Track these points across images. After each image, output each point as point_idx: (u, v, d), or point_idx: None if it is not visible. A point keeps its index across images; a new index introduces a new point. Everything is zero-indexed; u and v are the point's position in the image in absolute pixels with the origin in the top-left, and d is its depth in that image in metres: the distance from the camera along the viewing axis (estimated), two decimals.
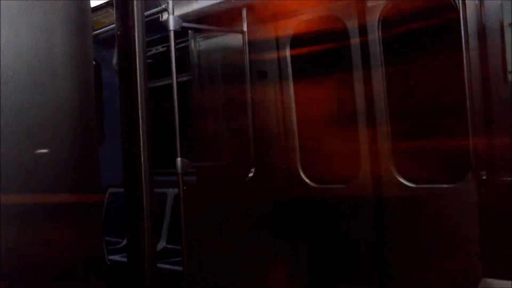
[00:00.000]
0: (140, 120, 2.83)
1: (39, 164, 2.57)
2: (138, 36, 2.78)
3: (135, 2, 2.79)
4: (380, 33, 4.92)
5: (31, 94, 2.48)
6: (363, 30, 5.02)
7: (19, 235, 2.54)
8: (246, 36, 5.44)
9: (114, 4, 2.99)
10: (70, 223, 2.70)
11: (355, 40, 5.06)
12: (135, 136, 2.84)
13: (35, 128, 2.52)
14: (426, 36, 4.90)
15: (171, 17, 4.93)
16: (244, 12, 5.41)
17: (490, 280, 4.11)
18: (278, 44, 5.67)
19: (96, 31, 6.33)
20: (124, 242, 6.48)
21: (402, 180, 4.84)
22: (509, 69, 4.02)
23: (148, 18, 5.28)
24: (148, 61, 7.06)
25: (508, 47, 4.01)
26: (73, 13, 2.62)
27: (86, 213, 2.73)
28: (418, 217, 4.72)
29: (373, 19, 4.93)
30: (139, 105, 2.81)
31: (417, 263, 4.70)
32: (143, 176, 2.86)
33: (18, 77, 2.41)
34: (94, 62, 7.70)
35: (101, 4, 5.94)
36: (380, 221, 4.98)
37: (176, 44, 5.07)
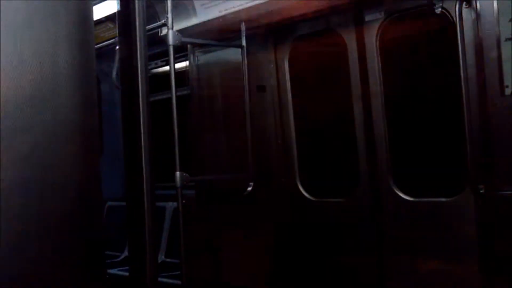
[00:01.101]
0: (142, 133, 2.85)
1: (41, 176, 2.58)
2: (140, 50, 2.80)
3: (137, 17, 2.81)
4: (378, 47, 4.96)
5: (34, 109, 2.49)
6: (361, 44, 5.05)
7: (18, 245, 2.55)
8: (245, 51, 5.47)
9: (117, 19, 3.02)
10: (70, 236, 2.71)
11: (353, 54, 5.10)
12: (137, 150, 2.85)
13: (38, 141, 2.53)
14: (423, 50, 4.94)
15: (170, 31, 4.96)
16: (243, 27, 5.45)
17: None
18: (276, 58, 5.71)
19: (96, 45, 6.36)
20: (123, 255, 6.49)
21: (400, 194, 4.85)
22: (506, 83, 4.04)
23: (148, 33, 5.34)
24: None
25: (504, 61, 4.04)
26: (76, 28, 2.65)
27: (87, 227, 2.74)
28: (416, 230, 4.73)
29: (371, 34, 4.98)
30: (141, 119, 2.82)
31: (416, 276, 4.70)
32: (145, 189, 2.88)
33: (21, 92, 2.43)
34: None
35: (101, 19, 5.98)
36: (379, 235, 4.98)
37: (175, 58, 5.11)
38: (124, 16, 2.88)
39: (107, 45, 5.85)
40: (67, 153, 2.64)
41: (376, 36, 4.94)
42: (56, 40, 2.58)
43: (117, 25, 3.01)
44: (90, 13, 2.76)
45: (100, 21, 6.02)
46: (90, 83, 2.73)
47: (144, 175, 2.87)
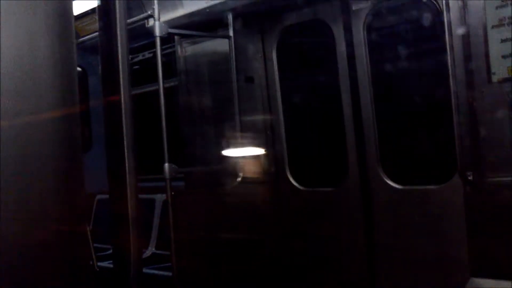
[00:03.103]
0: (124, 126, 2.83)
1: (21, 170, 2.56)
2: (121, 43, 2.77)
3: (117, 10, 2.78)
4: (365, 36, 4.95)
5: (13, 102, 2.47)
6: (348, 34, 5.04)
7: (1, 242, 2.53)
8: (233, 41, 5.45)
9: (97, 12, 3.00)
10: (54, 230, 2.69)
11: (340, 44, 5.09)
12: (120, 143, 2.84)
13: (17, 135, 2.51)
14: (410, 39, 4.94)
15: (157, 23, 4.94)
16: (230, 17, 5.42)
17: (477, 280, 4.13)
18: (264, 48, 5.69)
19: (82, 38, 6.34)
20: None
21: (389, 182, 4.86)
22: (492, 70, 4.05)
23: (134, 25, 5.32)
24: (136, 67, 7.15)
25: (491, 49, 4.04)
26: (55, 20, 2.61)
27: (70, 220, 2.73)
28: (406, 218, 4.75)
29: (358, 23, 4.97)
30: (123, 112, 2.80)
31: (405, 263, 4.72)
32: (127, 182, 2.86)
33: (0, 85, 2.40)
34: (80, 69, 7.76)
35: (87, 11, 5.94)
36: (369, 223, 5.00)
37: (162, 49, 5.08)
38: (104, 9, 2.85)
39: (93, 38, 5.80)
40: (47, 146, 2.62)
41: (363, 25, 4.93)
42: (34, 33, 2.55)
43: (97, 18, 2.98)
44: (69, 5, 2.73)
45: (85, 14, 5.98)
46: (71, 76, 2.70)
47: (127, 167, 2.85)
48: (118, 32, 2.76)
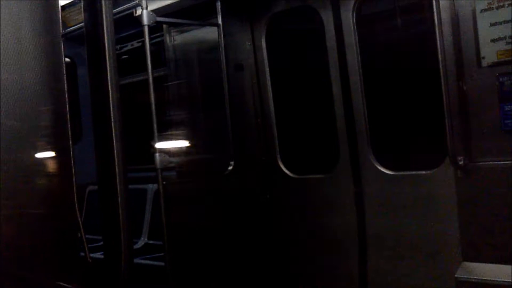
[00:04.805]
0: (112, 117, 2.81)
1: (9, 164, 2.55)
2: (107, 33, 2.75)
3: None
4: (355, 22, 4.93)
5: None
6: (337, 21, 5.02)
7: None
8: (222, 29, 5.42)
9: (82, 1, 2.96)
10: (45, 222, 2.69)
11: (330, 31, 5.07)
12: (108, 133, 2.82)
13: (4, 127, 2.49)
14: (400, 24, 4.93)
15: (144, 11, 4.90)
16: (219, 5, 5.39)
17: (469, 264, 4.15)
18: (253, 36, 5.66)
19: (70, 28, 6.29)
20: None
21: (381, 168, 4.86)
22: (482, 54, 4.05)
23: (122, 13, 5.28)
24: (124, 56, 7.11)
25: (480, 33, 4.04)
26: (40, 10, 2.59)
27: (61, 212, 2.72)
28: (397, 204, 4.75)
29: (348, 9, 4.94)
30: (111, 102, 2.78)
31: (397, 249, 4.74)
32: (117, 172, 2.85)
33: None
34: (68, 59, 7.70)
35: (74, 1, 5.88)
36: (361, 209, 5.00)
37: (151, 38, 5.04)
38: None
39: (81, 28, 5.75)
40: (35, 137, 2.60)
41: (352, 11, 4.91)
42: (19, 24, 2.53)
43: (82, 7, 2.94)
44: None
45: (73, 3, 5.92)
46: (58, 66, 2.68)
47: (116, 157, 2.84)
48: (105, 22, 2.73)
